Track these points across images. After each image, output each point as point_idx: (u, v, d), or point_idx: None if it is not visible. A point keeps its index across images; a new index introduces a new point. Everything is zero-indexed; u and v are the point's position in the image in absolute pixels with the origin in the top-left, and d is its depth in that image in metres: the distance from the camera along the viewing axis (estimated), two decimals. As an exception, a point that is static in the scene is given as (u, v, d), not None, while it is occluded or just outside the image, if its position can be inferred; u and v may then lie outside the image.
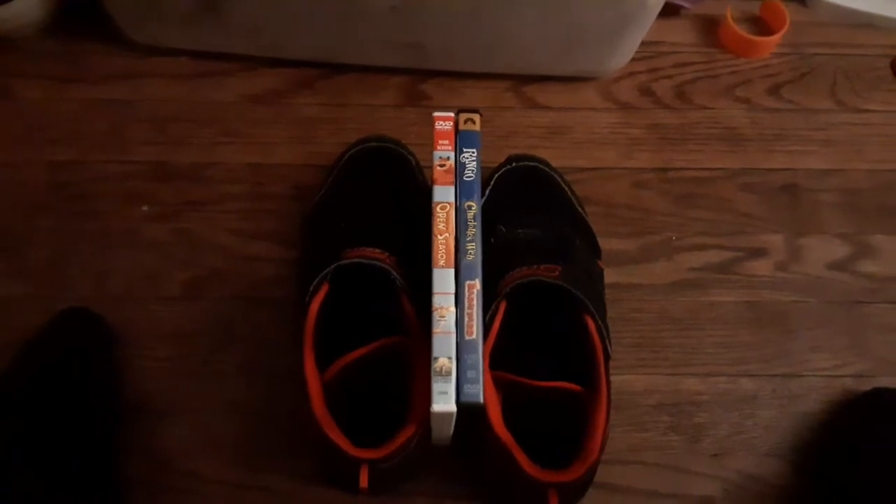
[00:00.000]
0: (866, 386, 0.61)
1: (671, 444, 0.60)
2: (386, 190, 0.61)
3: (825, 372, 0.63)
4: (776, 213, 0.69)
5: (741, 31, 0.75)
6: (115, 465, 0.56)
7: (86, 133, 0.69)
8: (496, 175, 0.62)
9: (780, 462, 0.59)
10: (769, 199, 0.69)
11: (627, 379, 0.61)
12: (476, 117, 0.54)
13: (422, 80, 0.73)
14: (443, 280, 0.49)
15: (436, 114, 0.54)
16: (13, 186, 0.67)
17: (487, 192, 0.61)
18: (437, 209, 0.51)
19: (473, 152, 0.53)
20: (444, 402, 0.47)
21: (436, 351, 0.47)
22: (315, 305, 0.53)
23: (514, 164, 0.63)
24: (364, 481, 0.50)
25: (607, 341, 0.54)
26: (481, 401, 0.47)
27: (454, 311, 0.49)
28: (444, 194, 0.52)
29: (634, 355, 0.62)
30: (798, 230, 0.68)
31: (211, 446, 0.58)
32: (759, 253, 0.67)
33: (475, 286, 0.50)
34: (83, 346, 0.58)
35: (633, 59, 0.72)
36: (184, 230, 0.66)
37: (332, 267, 0.53)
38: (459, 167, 0.53)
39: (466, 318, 0.49)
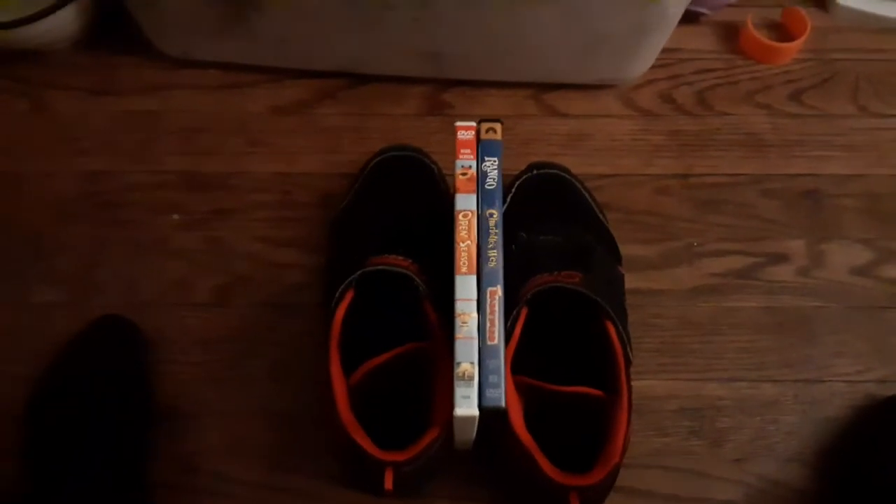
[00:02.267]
0: (889, 391, 0.61)
1: (693, 448, 0.60)
2: (409, 198, 0.62)
3: (847, 377, 0.63)
4: (798, 219, 0.69)
5: (762, 37, 0.75)
6: (143, 468, 0.57)
7: (117, 143, 0.71)
8: (517, 182, 0.63)
9: (802, 467, 0.60)
10: (791, 204, 0.69)
11: (649, 384, 0.62)
12: (497, 126, 0.55)
13: (443, 90, 0.74)
14: (465, 286, 0.50)
15: (458, 123, 0.55)
16: (47, 195, 0.69)
17: (508, 199, 0.62)
18: (460, 217, 0.52)
19: (495, 161, 0.54)
20: (466, 406, 0.47)
21: (458, 356, 0.48)
22: (340, 311, 0.54)
23: (535, 172, 0.63)
24: (389, 483, 0.51)
25: (628, 346, 0.54)
26: (503, 405, 0.48)
27: (476, 317, 0.49)
28: (466, 202, 0.53)
29: (655, 360, 0.63)
30: (820, 235, 0.68)
31: (238, 449, 0.59)
32: (780, 258, 0.67)
33: (497, 292, 0.50)
34: (117, 351, 0.59)
35: (653, 66, 0.73)
36: (212, 238, 0.67)
37: (357, 274, 0.54)
38: (481, 176, 0.54)
39: (488, 324, 0.49)
